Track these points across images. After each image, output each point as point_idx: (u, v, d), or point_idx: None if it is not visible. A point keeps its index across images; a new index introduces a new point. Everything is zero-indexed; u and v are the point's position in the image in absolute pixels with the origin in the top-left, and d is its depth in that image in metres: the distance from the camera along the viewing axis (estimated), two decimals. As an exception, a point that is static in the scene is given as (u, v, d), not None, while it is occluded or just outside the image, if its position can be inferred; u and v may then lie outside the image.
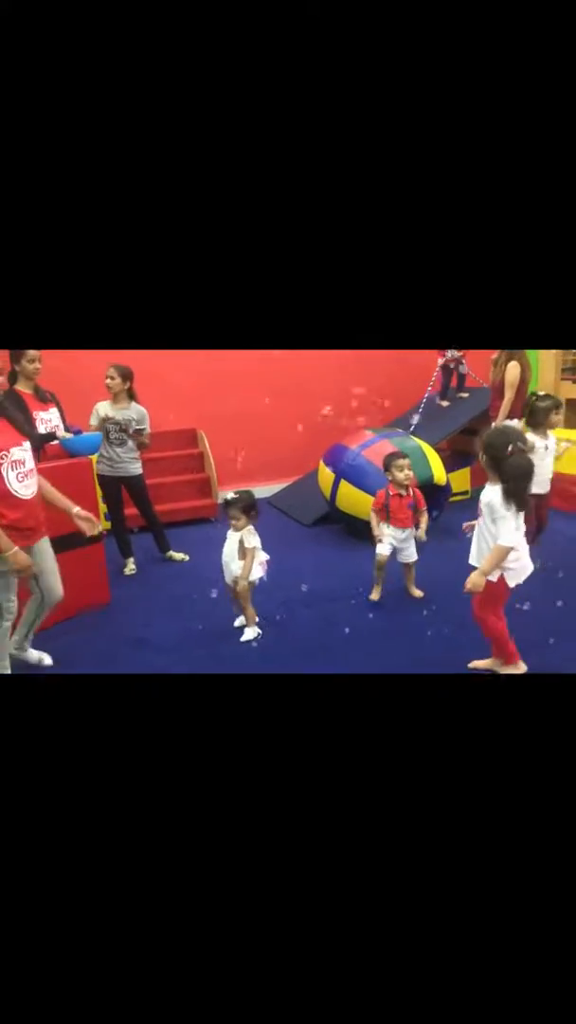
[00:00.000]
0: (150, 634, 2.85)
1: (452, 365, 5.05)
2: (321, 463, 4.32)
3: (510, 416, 4.48)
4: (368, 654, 2.55)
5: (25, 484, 2.23)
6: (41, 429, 3.56)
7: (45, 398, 3.50)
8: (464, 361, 5.06)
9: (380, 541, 3.09)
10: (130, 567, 3.73)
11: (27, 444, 2.27)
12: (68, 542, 3.01)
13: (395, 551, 3.13)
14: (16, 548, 2.12)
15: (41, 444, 3.42)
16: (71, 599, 3.07)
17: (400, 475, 3.03)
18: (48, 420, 3.53)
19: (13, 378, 3.37)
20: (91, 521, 2.43)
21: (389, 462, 3.08)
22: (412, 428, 4.67)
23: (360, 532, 4.13)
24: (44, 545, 2.44)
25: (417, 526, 3.13)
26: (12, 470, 2.17)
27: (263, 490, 5.51)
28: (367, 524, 3.99)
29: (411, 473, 3.06)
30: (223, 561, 2.78)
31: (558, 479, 3.67)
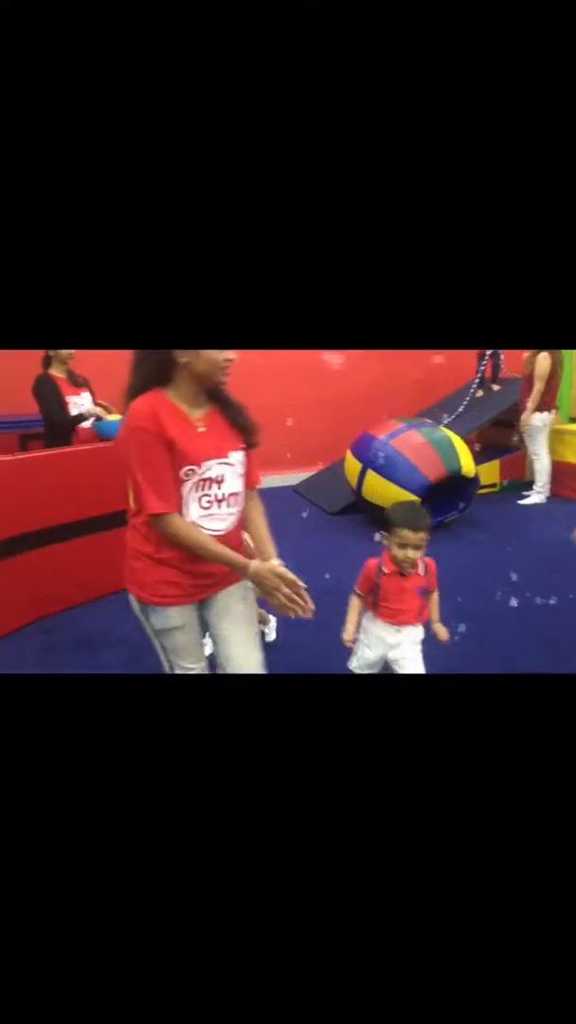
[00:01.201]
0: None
1: (489, 354, 4.97)
2: (348, 452, 4.31)
3: (540, 408, 4.40)
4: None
5: (212, 515, 1.41)
6: (73, 412, 3.63)
7: (78, 382, 3.56)
8: (501, 352, 4.98)
9: (352, 643, 1.91)
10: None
11: (238, 455, 1.44)
12: (99, 524, 3.08)
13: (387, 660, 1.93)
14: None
15: (73, 426, 3.49)
16: (102, 580, 3.15)
17: (399, 553, 1.78)
18: (81, 404, 3.60)
19: (47, 362, 3.44)
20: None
21: (389, 525, 1.80)
22: (450, 418, 4.62)
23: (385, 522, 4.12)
24: (228, 601, 1.55)
25: (428, 620, 1.90)
26: (199, 491, 1.38)
27: (290, 477, 5.53)
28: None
29: (419, 555, 1.82)
30: None
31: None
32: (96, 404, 3.57)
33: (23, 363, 3.36)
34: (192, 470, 1.37)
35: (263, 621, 2.64)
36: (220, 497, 1.42)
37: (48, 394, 3.40)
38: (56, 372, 3.36)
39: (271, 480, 5.50)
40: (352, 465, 4.21)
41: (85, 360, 3.46)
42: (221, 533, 1.44)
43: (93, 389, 3.67)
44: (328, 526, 4.34)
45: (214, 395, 1.45)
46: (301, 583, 1.45)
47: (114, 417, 3.52)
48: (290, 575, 1.45)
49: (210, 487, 1.40)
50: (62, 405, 3.49)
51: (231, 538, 1.47)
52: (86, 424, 3.49)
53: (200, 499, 1.40)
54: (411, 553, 1.79)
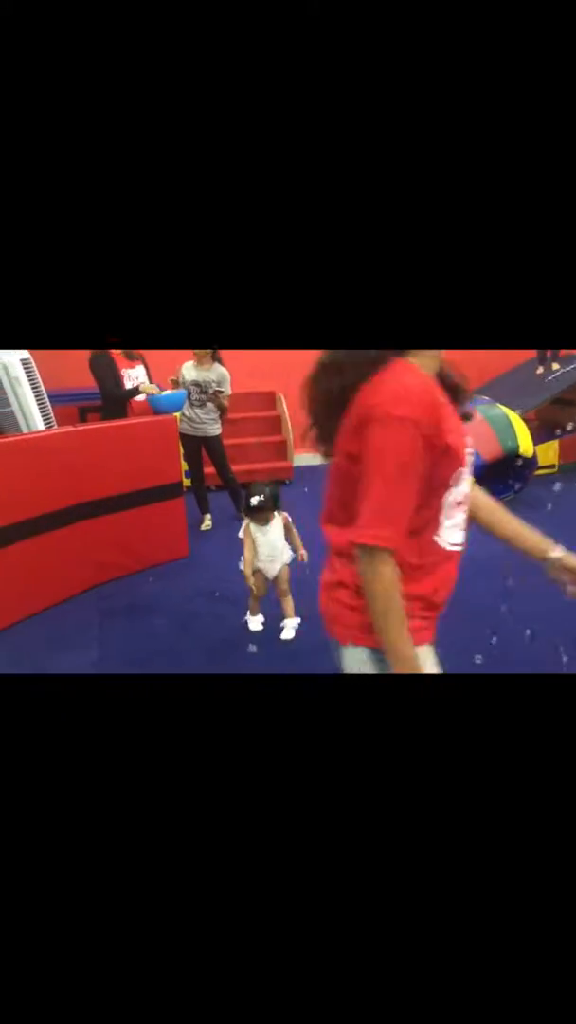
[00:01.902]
0: (224, 588, 2.97)
1: None
2: (400, 429, 4.23)
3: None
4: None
5: (457, 524, 1.10)
6: (128, 386, 3.72)
7: (133, 357, 3.63)
8: None
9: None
10: (207, 523, 3.87)
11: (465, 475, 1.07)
12: (152, 496, 3.17)
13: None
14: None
15: (128, 399, 3.58)
16: (154, 550, 3.25)
17: None
18: (136, 378, 3.68)
19: (104, 337, 3.51)
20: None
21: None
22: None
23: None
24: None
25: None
26: (455, 510, 1.08)
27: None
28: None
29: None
30: (267, 559, 2.44)
31: None
32: (151, 382, 3.65)
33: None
34: (461, 474, 1.02)
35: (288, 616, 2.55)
36: (463, 499, 1.08)
37: (104, 368, 3.48)
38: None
39: (320, 458, 5.51)
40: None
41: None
42: (460, 547, 1.12)
43: (147, 363, 3.73)
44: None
45: None
46: None
47: (170, 392, 3.58)
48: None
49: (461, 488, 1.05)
50: (117, 379, 3.57)
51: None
52: (140, 398, 3.56)
53: (458, 507, 1.06)
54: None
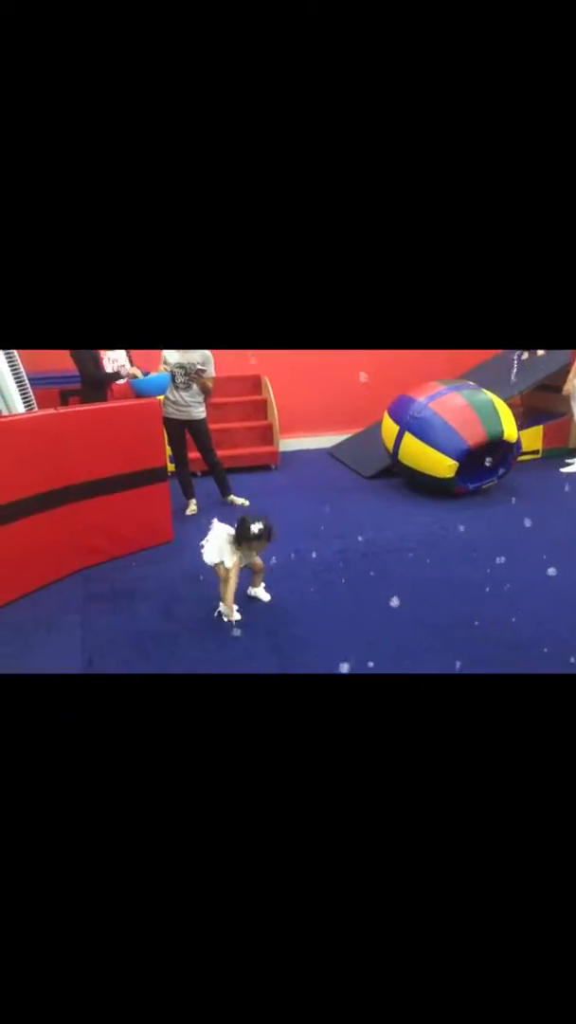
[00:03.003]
0: (209, 572, 2.97)
1: None
2: (386, 414, 4.24)
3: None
4: (419, 604, 2.56)
5: None
6: (109, 369, 3.66)
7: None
8: None
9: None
10: (192, 508, 3.85)
11: None
12: (136, 480, 3.14)
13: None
14: None
15: (109, 382, 3.53)
16: (138, 535, 3.23)
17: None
18: (115, 360, 3.62)
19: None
20: None
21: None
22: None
23: (421, 486, 4.06)
24: None
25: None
26: None
27: (325, 440, 5.48)
28: (429, 478, 3.93)
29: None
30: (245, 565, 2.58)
31: None
32: (133, 366, 3.60)
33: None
34: None
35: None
36: None
37: (84, 351, 3.43)
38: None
39: (305, 443, 5.48)
40: (389, 428, 4.14)
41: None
42: None
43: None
44: (363, 490, 4.31)
45: None
46: None
47: (153, 375, 3.54)
48: None
49: None
50: (97, 361, 3.52)
51: None
52: (121, 381, 3.52)
53: None
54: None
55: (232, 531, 2.49)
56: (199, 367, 3.56)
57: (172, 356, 3.57)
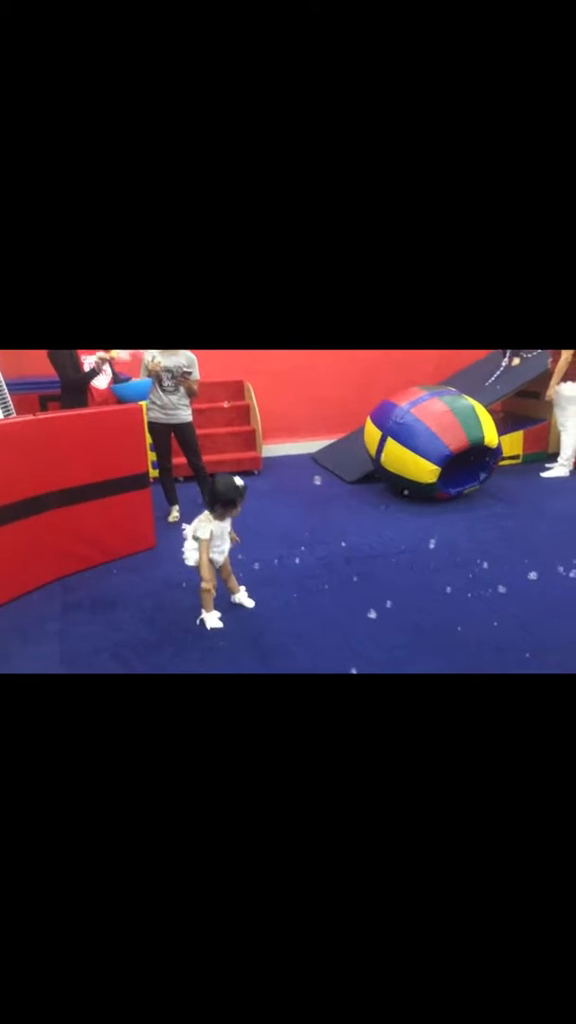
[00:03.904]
0: (191, 578, 2.94)
1: None
2: (368, 420, 4.26)
3: (569, 378, 4.28)
4: (402, 609, 2.57)
5: None
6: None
7: (95, 343, 3.55)
8: None
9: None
10: (174, 515, 3.82)
11: None
12: (117, 486, 3.10)
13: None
14: None
15: (87, 382, 3.49)
16: (120, 542, 3.19)
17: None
18: (92, 364, 3.59)
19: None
20: None
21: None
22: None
23: (403, 491, 4.08)
24: None
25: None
26: None
27: (308, 445, 5.49)
28: (412, 483, 3.95)
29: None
30: (217, 552, 2.54)
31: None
32: (115, 374, 3.56)
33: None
34: None
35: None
36: None
37: (63, 355, 3.39)
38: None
39: (289, 448, 5.48)
40: (372, 433, 4.16)
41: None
42: None
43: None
44: (346, 495, 4.32)
45: None
46: None
47: (135, 380, 3.51)
48: None
49: None
50: (77, 365, 3.48)
51: None
52: (101, 385, 3.48)
53: None
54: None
55: (194, 526, 2.46)
56: (185, 369, 3.55)
57: (160, 360, 3.54)
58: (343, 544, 3.35)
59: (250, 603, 2.68)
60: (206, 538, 2.44)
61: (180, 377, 3.55)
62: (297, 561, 3.13)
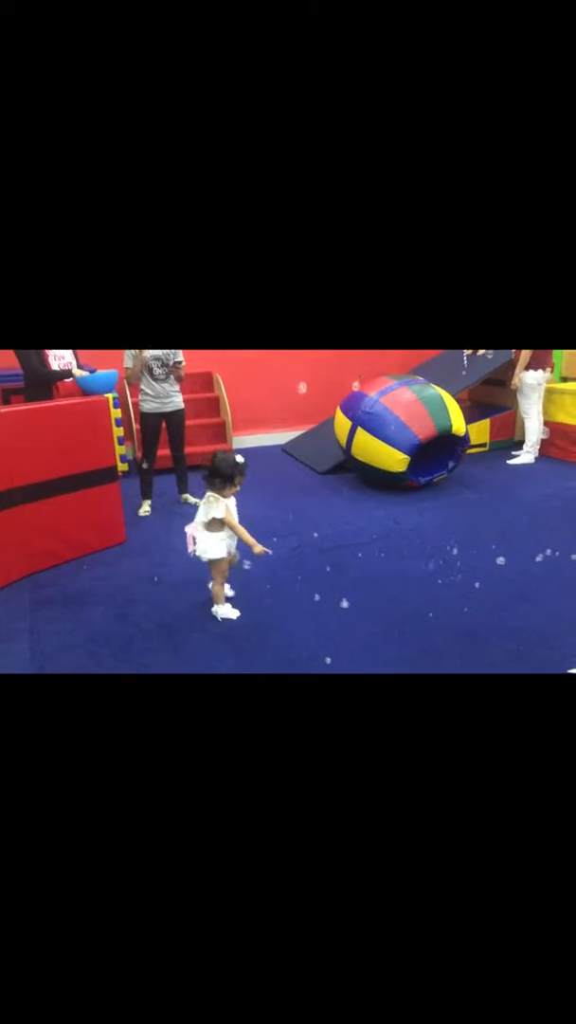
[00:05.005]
0: (163, 573, 2.92)
1: None
2: (338, 410, 4.27)
3: (534, 366, 4.37)
4: (374, 598, 2.59)
5: None
6: (55, 366, 3.54)
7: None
8: None
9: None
10: (145, 508, 3.78)
11: None
12: (85, 480, 3.05)
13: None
14: None
15: (56, 381, 3.41)
16: (89, 537, 3.14)
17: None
18: (62, 358, 3.51)
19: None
20: None
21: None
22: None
23: (374, 481, 4.11)
24: None
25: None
26: None
27: (278, 437, 5.48)
28: (382, 473, 3.98)
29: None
30: (228, 535, 2.48)
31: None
32: (80, 367, 3.50)
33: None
34: None
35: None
36: None
37: (27, 348, 3.31)
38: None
39: (260, 440, 5.46)
40: (342, 424, 4.17)
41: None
42: None
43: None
44: (317, 485, 4.33)
45: None
46: None
47: (100, 372, 3.44)
48: None
49: None
50: (42, 358, 3.40)
51: None
52: (68, 380, 3.41)
53: None
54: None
55: (203, 512, 2.41)
56: (175, 358, 3.53)
57: (147, 350, 3.48)
58: (315, 535, 3.36)
59: (234, 614, 2.55)
60: (222, 516, 2.38)
61: (172, 366, 3.53)
62: (270, 552, 3.13)
